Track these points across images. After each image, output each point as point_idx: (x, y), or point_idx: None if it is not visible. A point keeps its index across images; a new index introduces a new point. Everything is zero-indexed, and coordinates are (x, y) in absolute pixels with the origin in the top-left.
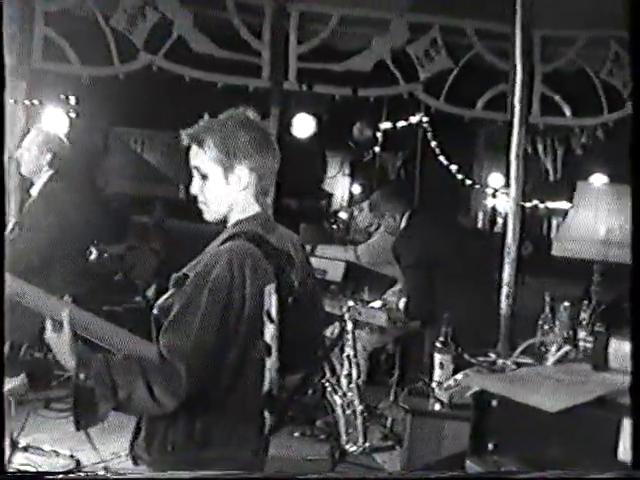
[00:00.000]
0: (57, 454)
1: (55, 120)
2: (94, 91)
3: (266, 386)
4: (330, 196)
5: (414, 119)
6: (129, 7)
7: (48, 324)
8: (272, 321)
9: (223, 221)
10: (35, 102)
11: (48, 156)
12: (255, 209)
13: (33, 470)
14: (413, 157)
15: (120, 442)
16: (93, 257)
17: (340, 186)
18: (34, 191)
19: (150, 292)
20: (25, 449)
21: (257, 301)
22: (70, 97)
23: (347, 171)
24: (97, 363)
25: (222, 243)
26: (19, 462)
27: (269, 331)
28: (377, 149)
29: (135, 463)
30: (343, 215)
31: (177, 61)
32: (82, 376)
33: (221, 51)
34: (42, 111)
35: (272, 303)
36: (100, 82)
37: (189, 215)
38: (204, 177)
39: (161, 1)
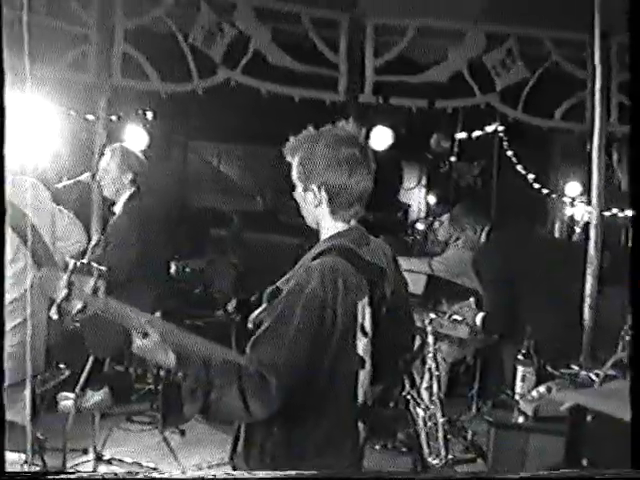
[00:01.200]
0: (140, 466)
1: (134, 137)
2: (172, 106)
3: (360, 398)
4: (407, 207)
5: (489, 128)
6: (206, 23)
7: (134, 336)
8: (365, 334)
9: (316, 232)
10: (113, 118)
11: (129, 175)
12: (342, 226)
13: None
14: (489, 167)
15: (201, 455)
16: (174, 271)
17: (416, 197)
18: (117, 209)
19: (231, 306)
20: (109, 462)
21: (350, 315)
22: (148, 113)
23: (424, 182)
24: (197, 361)
25: (314, 258)
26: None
27: (362, 344)
28: (453, 159)
29: None
30: (420, 226)
31: (254, 75)
32: (180, 373)
33: (298, 65)
34: (122, 127)
35: (366, 317)
36: (178, 97)
37: (267, 227)
38: (295, 188)
39: (238, 16)
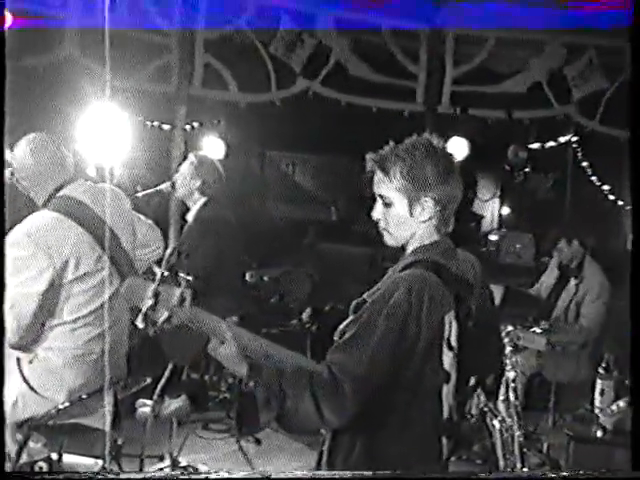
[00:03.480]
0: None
1: (212, 146)
2: (250, 115)
3: (445, 412)
4: (480, 218)
5: (563, 139)
6: (287, 34)
7: (211, 339)
8: (451, 349)
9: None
10: (187, 127)
11: (198, 182)
12: (435, 238)
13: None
14: (564, 178)
15: (278, 463)
16: (250, 280)
17: (489, 208)
18: (189, 217)
19: (306, 315)
20: (185, 469)
21: (436, 329)
22: (224, 122)
23: (498, 193)
24: (269, 371)
25: (402, 270)
26: None
27: (448, 358)
28: (527, 170)
29: None
30: (493, 237)
31: (332, 86)
32: (252, 383)
33: (377, 75)
34: (199, 137)
35: (452, 331)
36: (256, 106)
37: (341, 238)
38: (388, 205)
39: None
